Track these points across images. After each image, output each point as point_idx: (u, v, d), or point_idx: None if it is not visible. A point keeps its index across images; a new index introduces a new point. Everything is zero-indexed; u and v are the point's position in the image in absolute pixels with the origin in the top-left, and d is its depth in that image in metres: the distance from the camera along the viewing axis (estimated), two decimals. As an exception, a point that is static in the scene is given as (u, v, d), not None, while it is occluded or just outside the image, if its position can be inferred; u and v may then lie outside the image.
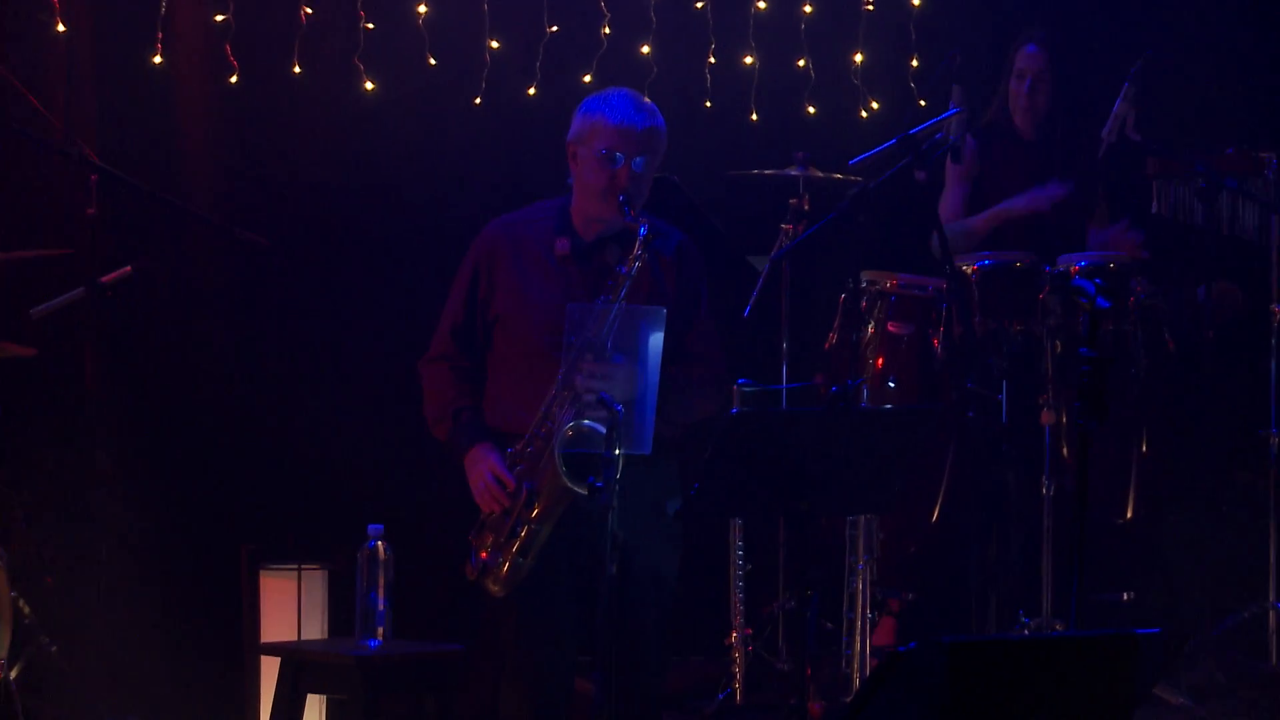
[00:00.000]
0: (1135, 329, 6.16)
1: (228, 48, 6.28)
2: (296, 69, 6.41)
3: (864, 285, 6.32)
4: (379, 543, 5.16)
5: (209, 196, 6.27)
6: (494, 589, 4.64)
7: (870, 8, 7.18)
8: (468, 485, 4.69)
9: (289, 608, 5.89)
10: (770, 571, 6.45)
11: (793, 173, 6.39)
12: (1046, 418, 6.00)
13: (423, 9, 6.52)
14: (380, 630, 5.15)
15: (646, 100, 4.74)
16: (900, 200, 6.64)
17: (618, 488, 4.24)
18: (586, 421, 4.44)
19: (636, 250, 4.56)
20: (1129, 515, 6.24)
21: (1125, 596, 6.21)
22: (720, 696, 6.04)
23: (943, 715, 3.43)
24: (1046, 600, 5.95)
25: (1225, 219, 6.54)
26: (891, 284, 6.32)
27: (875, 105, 7.22)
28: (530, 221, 4.81)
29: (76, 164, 5.46)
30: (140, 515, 6.12)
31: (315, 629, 5.87)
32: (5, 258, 5.61)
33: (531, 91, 6.72)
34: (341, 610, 5.80)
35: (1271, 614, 6.35)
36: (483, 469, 4.65)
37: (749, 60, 7.05)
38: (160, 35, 6.21)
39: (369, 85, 6.49)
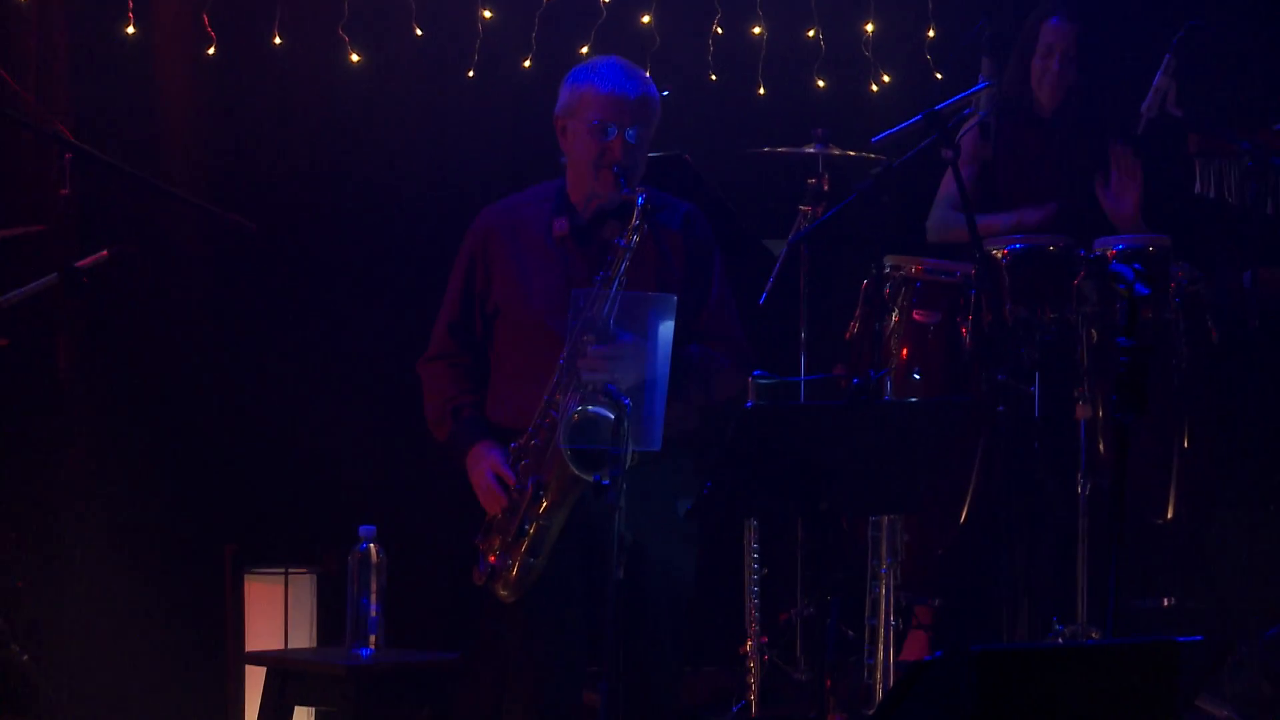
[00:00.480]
0: (1176, 317, 6.15)
1: (205, 18, 6.29)
2: (278, 40, 6.42)
3: (887, 270, 6.32)
4: (371, 545, 5.18)
5: (190, 177, 6.28)
6: (503, 594, 4.63)
7: (884, -27, 7.20)
8: (468, 485, 4.70)
9: (275, 614, 5.91)
10: (787, 576, 6.46)
11: (811, 150, 6.40)
12: (1082, 411, 6.01)
13: (411, -25, 6.55)
14: (373, 638, 5.18)
15: (637, 68, 4.74)
16: (926, 180, 6.64)
17: (626, 486, 4.24)
18: (593, 407, 4.44)
19: (634, 220, 4.55)
20: (1169, 515, 6.24)
21: (1166, 602, 6.21)
22: (735, 709, 6.05)
23: (971, 729, 3.44)
24: (1082, 607, 5.95)
25: (1273, 200, 6.54)
26: (917, 269, 6.32)
27: (887, 78, 7.21)
28: (526, 205, 4.82)
29: (49, 142, 5.46)
30: (117, 516, 6.14)
31: (303, 637, 5.90)
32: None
33: (527, 64, 6.73)
34: (331, 617, 5.83)
35: (1322, 620, 6.36)
36: (483, 468, 4.66)
37: (757, 31, 7.06)
38: (132, 4, 6.23)
39: (355, 57, 6.51)
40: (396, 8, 6.55)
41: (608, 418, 4.36)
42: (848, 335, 6.44)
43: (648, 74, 4.80)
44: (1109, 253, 6.12)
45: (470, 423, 4.74)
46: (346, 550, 5.21)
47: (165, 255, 6.29)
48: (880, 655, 5.84)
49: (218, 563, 5.94)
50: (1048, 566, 6.16)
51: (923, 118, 5.82)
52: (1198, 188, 6.60)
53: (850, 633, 6.22)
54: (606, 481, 4.23)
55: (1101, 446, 6.09)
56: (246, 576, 6.00)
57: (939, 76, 6.76)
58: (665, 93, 4.79)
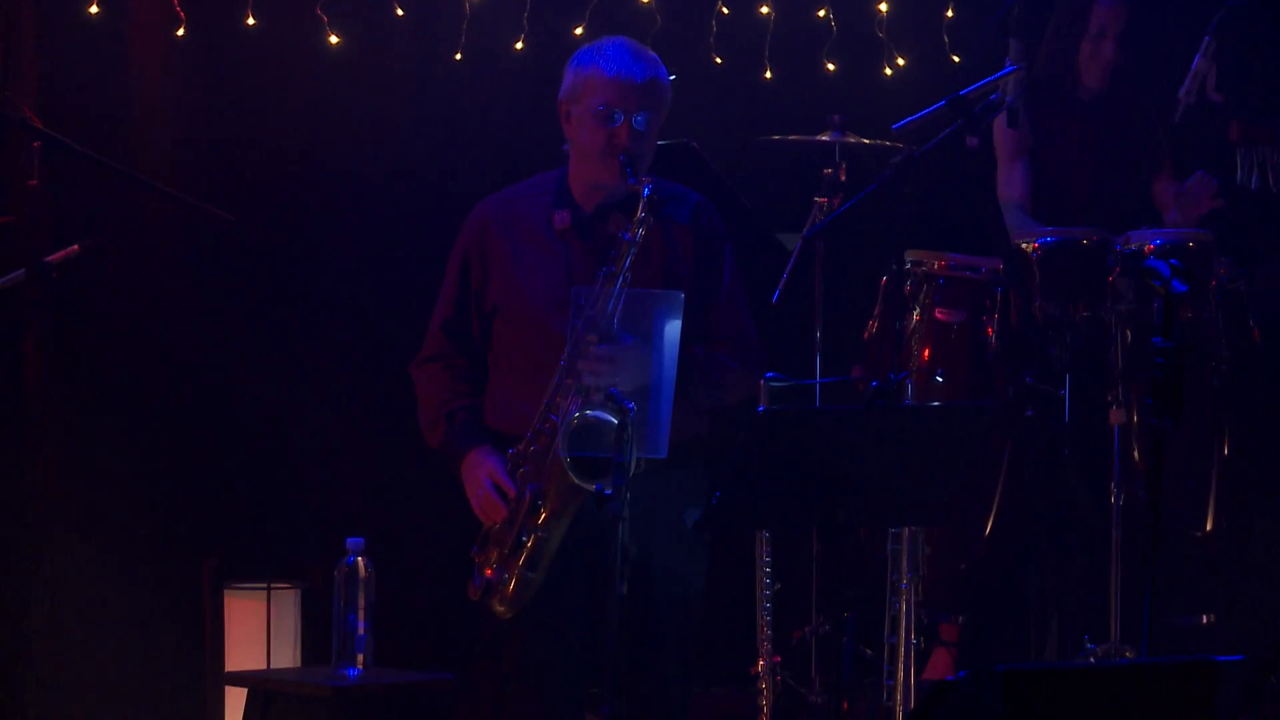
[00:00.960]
0: (1216, 316, 6.16)
1: (174, -3, 6.31)
2: (251, 20, 6.42)
3: (908, 266, 6.33)
4: (359, 558, 5.18)
5: (164, 166, 6.28)
6: (500, 609, 4.64)
7: (899, -51, 7.20)
8: (463, 494, 4.70)
9: (257, 631, 5.92)
10: (802, 591, 6.46)
11: (827, 139, 6.40)
12: (1115, 416, 6.01)
13: (392, -50, 6.56)
14: (360, 657, 5.18)
15: (647, 49, 4.74)
16: (950, 170, 6.64)
17: (629, 496, 4.24)
18: (592, 412, 4.45)
19: (640, 213, 4.55)
20: (1209, 527, 6.24)
21: (1204, 619, 6.21)
22: (745, 733, 6.06)
23: (997, 753, 3.45)
24: (1115, 624, 5.96)
25: (1321, 192, 6.54)
26: (940, 265, 6.33)
27: (901, 61, 7.20)
28: (524, 196, 4.82)
29: (16, 130, 5.47)
30: (88, 527, 6.15)
31: (286, 656, 5.90)
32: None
33: (519, 46, 6.73)
34: (317, 634, 5.84)
35: (1371, 639, 6.36)
36: (479, 475, 4.66)
37: (764, 10, 7.05)
38: (98, -18, 6.25)
39: (334, 39, 6.51)
40: (378, -15, 6.56)
41: (610, 423, 4.36)
42: (866, 335, 6.45)
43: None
44: (1146, 247, 6.11)
45: (466, 427, 4.74)
46: (333, 564, 5.21)
47: (140, 249, 6.30)
48: (900, 676, 5.84)
49: (196, 577, 5.96)
50: (1079, 581, 6.17)
51: (946, 103, 5.82)
52: (1239, 178, 6.59)
53: (868, 652, 6.22)
54: (609, 491, 4.22)
55: (1136, 454, 6.10)
56: (227, 591, 6.01)
57: (956, 59, 6.75)
58: (672, 77, 4.79)
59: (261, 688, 5.28)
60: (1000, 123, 6.35)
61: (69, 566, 5.97)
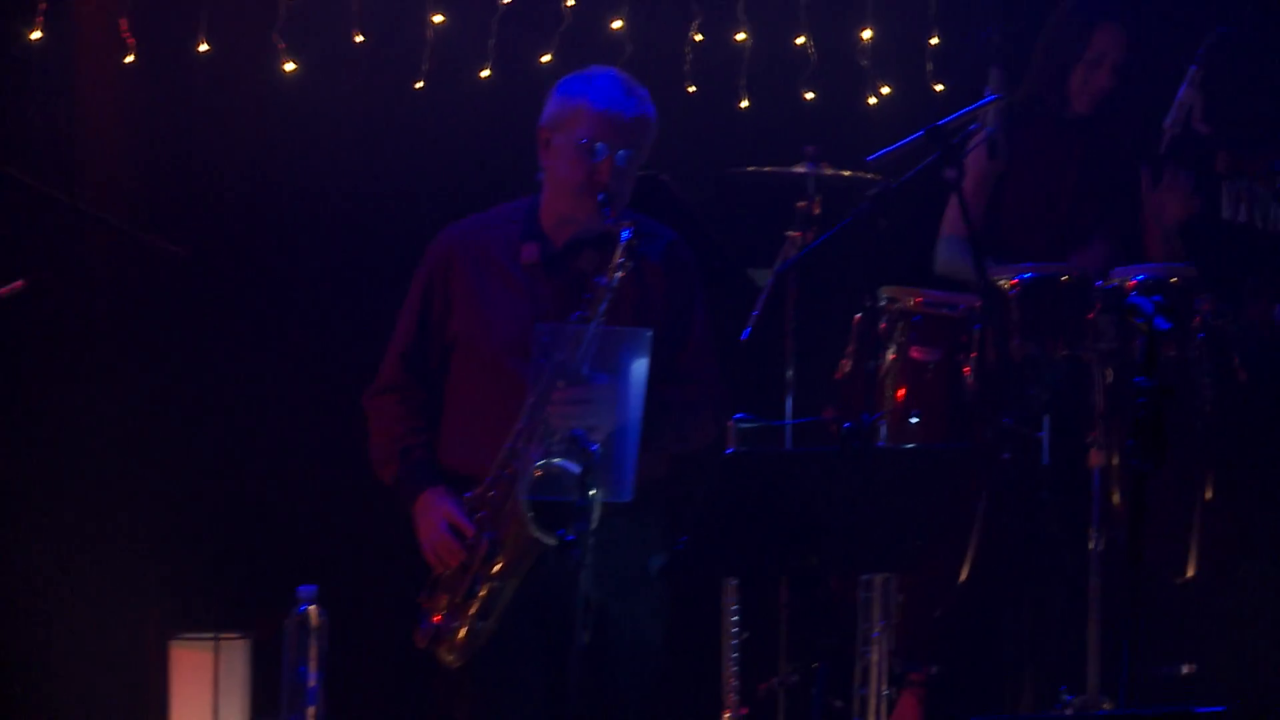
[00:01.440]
0: (1200, 354, 6.18)
1: (123, 22, 6.32)
2: (204, 46, 6.46)
3: (883, 304, 6.33)
4: (311, 607, 5.20)
5: (112, 198, 6.29)
6: (448, 658, 4.68)
7: (882, -25, 7.20)
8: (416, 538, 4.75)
9: (204, 684, 5.93)
10: (770, 641, 6.47)
11: (800, 170, 6.41)
12: (1095, 459, 6.03)
13: (351, -26, 6.59)
14: (311, 710, 5.19)
15: (637, 84, 4.79)
16: (926, 203, 6.69)
17: (593, 541, 4.26)
18: (557, 460, 4.47)
19: (618, 258, 4.60)
20: (1190, 574, 6.25)
21: (1185, 669, 6.23)
22: (711, 788, 6.09)
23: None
24: (1093, 674, 5.97)
25: (1309, 226, 6.58)
26: (915, 302, 6.34)
27: (885, 90, 7.21)
28: (491, 226, 4.85)
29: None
30: (24, 574, 6.15)
31: (235, 710, 5.91)
32: None
33: (485, 74, 6.76)
34: (266, 687, 5.84)
35: (1360, 691, 6.40)
36: (434, 518, 4.69)
37: (740, 37, 7.06)
38: (43, 6, 6.25)
39: (289, 66, 6.53)
40: (335, 11, 6.57)
41: (572, 473, 4.38)
42: (838, 375, 6.45)
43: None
44: (1127, 283, 6.10)
45: (420, 466, 4.78)
46: (283, 613, 5.23)
47: (86, 284, 6.32)
48: (872, 728, 5.89)
49: (140, 628, 5.96)
50: (1056, 629, 6.18)
51: (924, 134, 5.86)
52: (1225, 212, 6.61)
53: (839, 703, 6.23)
54: (571, 536, 4.23)
55: (1116, 498, 6.10)
56: (172, 643, 6.01)
57: (939, 88, 6.78)
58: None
59: (209, 742, 5.31)
60: (978, 153, 6.40)
61: (4, 616, 5.97)
